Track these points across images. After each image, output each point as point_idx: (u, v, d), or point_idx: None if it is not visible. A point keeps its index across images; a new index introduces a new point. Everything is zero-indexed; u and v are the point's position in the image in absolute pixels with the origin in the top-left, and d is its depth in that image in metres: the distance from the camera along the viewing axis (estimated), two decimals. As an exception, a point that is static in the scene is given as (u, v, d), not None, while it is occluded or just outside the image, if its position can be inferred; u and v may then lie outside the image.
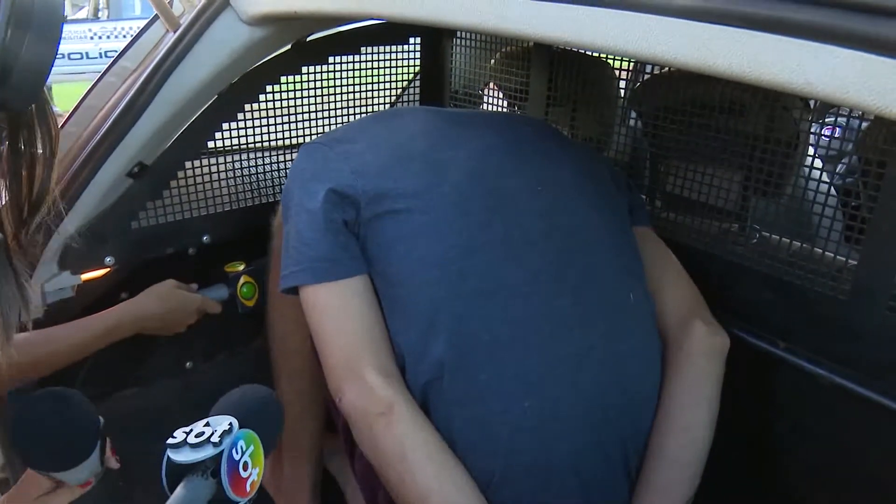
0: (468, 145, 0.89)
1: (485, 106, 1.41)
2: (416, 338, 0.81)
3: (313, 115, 1.30)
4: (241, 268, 1.20)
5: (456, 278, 0.81)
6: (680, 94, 1.05)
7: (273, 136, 1.27)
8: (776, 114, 0.99)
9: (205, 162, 1.20)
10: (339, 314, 0.84)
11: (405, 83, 1.46)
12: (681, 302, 0.94)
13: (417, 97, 1.48)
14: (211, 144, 1.19)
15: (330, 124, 1.34)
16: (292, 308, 1.06)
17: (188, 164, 1.17)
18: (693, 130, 1.05)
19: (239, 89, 1.16)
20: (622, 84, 1.19)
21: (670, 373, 0.89)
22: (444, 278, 0.81)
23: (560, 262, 0.85)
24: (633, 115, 1.18)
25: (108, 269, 1.14)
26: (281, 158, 1.31)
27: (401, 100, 1.47)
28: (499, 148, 0.90)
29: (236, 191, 1.26)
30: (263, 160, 1.28)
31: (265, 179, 1.29)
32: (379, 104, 1.41)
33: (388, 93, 1.42)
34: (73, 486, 0.68)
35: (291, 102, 1.26)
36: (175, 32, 1.00)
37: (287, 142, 1.30)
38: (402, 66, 1.41)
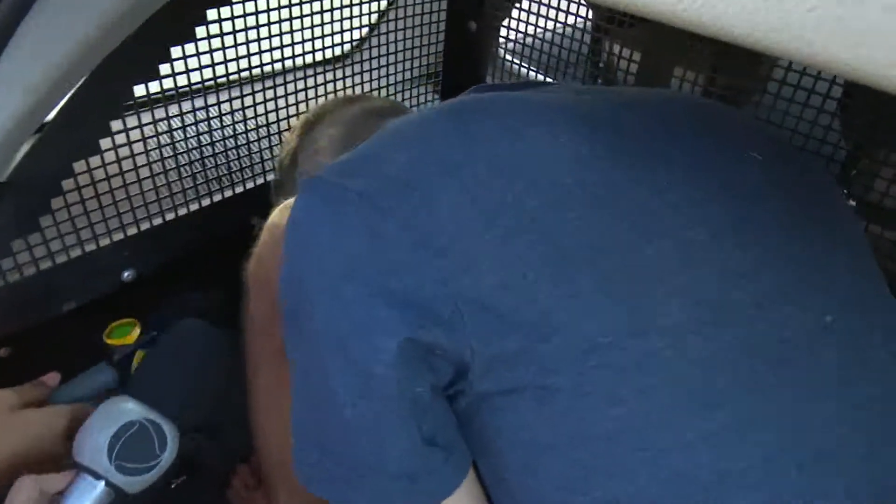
0: (684, 212, 0.42)
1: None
2: None
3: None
4: (136, 338, 0.68)
5: None
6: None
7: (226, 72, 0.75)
8: None
9: (109, 156, 0.68)
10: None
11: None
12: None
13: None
14: (118, 125, 0.67)
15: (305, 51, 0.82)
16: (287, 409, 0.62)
17: (80, 166, 0.66)
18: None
19: (160, 27, 0.64)
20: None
21: None
22: None
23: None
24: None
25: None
26: (246, 100, 0.80)
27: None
28: (738, 218, 0.43)
29: (170, 190, 0.76)
30: (218, 118, 0.77)
31: (221, 153, 0.79)
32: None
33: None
34: None
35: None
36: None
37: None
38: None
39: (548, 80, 0.93)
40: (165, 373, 0.71)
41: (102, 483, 0.58)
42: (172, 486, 1.00)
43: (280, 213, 0.61)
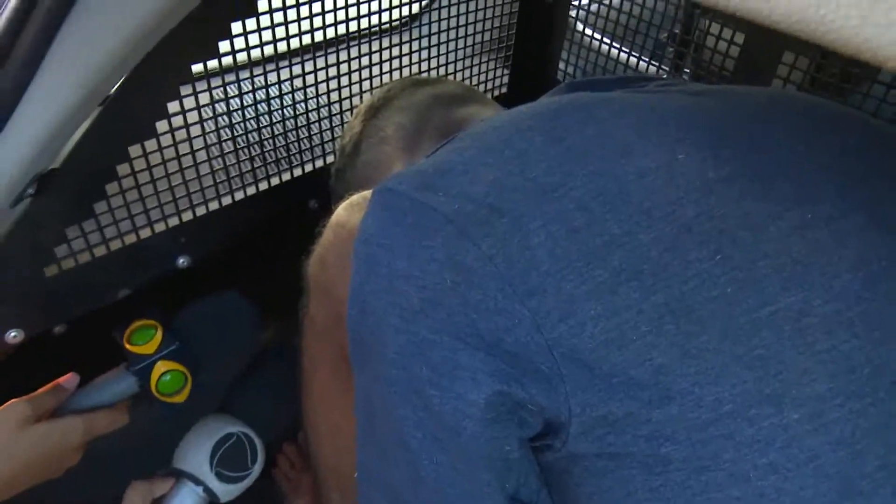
0: (831, 254, 0.35)
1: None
2: None
3: None
4: (157, 347, 0.63)
5: None
6: None
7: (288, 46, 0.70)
8: None
9: (166, 140, 0.64)
10: None
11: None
12: None
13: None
14: (175, 106, 0.63)
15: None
16: (348, 423, 0.59)
17: (135, 150, 0.62)
18: None
19: (220, 2, 0.59)
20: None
21: None
22: None
23: None
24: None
25: (11, 348, 0.64)
26: (304, 79, 0.75)
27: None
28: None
29: (227, 174, 0.72)
30: (278, 97, 0.72)
31: (280, 135, 0.75)
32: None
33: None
34: None
35: None
36: None
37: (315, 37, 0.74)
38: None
39: (653, 64, 0.84)
40: (196, 338, 0.70)
41: (201, 489, 0.63)
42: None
43: (347, 212, 0.57)
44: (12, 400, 0.55)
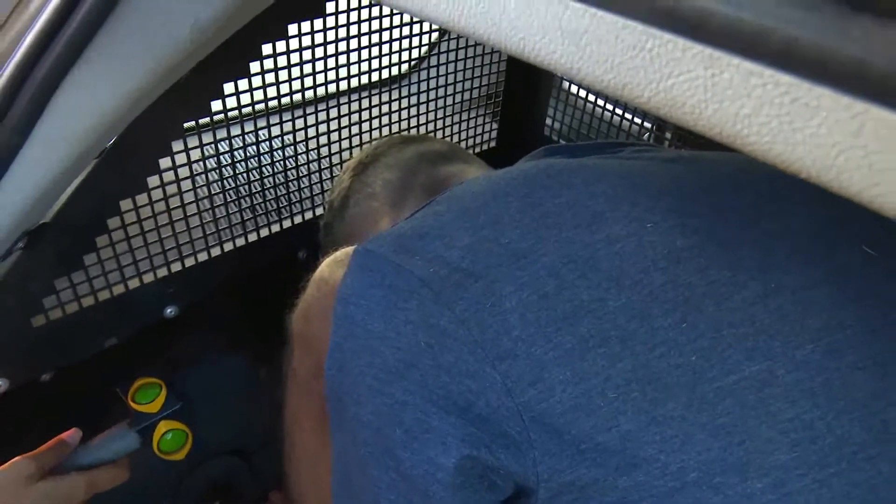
0: (794, 323, 0.36)
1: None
2: None
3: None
4: (160, 406, 0.64)
5: None
6: None
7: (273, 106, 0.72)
8: None
9: (156, 194, 0.66)
10: None
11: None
12: None
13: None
14: (166, 162, 0.65)
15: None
16: (329, 478, 0.59)
17: (126, 204, 0.64)
18: None
19: (213, 65, 0.61)
20: None
21: None
22: None
23: None
24: None
25: (-1, 398, 0.64)
26: (294, 136, 0.77)
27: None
28: (859, 330, 0.36)
29: (217, 226, 0.73)
30: (269, 151, 0.74)
31: (271, 188, 0.76)
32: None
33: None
34: None
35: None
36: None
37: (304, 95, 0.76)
38: None
39: (635, 123, 0.87)
40: (198, 398, 0.70)
41: None
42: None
43: (330, 268, 0.58)
44: (17, 457, 0.56)
